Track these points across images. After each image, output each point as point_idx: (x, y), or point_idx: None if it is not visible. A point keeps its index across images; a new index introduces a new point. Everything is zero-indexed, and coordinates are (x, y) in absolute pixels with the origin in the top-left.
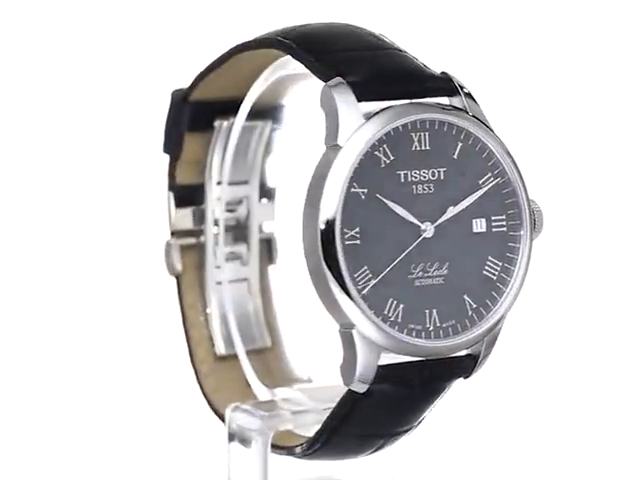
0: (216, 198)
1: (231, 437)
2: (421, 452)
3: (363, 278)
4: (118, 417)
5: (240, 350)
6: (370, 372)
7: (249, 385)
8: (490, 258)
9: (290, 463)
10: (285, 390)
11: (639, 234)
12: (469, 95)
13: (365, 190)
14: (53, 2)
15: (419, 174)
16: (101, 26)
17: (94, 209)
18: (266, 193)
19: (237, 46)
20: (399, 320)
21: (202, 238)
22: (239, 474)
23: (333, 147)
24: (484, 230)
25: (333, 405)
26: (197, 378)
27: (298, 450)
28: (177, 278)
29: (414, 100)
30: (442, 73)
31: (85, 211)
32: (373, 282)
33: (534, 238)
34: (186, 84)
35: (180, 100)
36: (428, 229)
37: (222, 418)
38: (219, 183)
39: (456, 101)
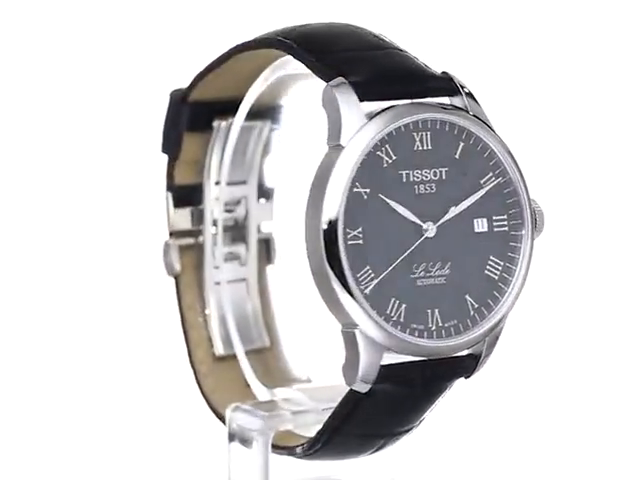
0: (214, 198)
1: (231, 437)
2: (421, 452)
3: (366, 278)
4: (117, 417)
5: (239, 350)
6: (372, 372)
7: (248, 385)
8: (492, 258)
9: (290, 463)
10: (285, 390)
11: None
12: (470, 95)
13: (367, 190)
14: (53, 2)
15: (421, 174)
16: (100, 26)
17: (92, 209)
18: (264, 193)
19: (237, 46)
20: (401, 320)
21: (200, 238)
22: (239, 474)
23: (335, 147)
24: (485, 230)
25: (333, 405)
26: (196, 378)
27: (299, 450)
28: (176, 278)
29: (415, 100)
30: (443, 73)
31: (84, 211)
32: (375, 282)
33: (535, 238)
34: (184, 84)
35: (179, 100)
36: (430, 229)
37: (222, 418)
38: (217, 183)
39: (457, 101)
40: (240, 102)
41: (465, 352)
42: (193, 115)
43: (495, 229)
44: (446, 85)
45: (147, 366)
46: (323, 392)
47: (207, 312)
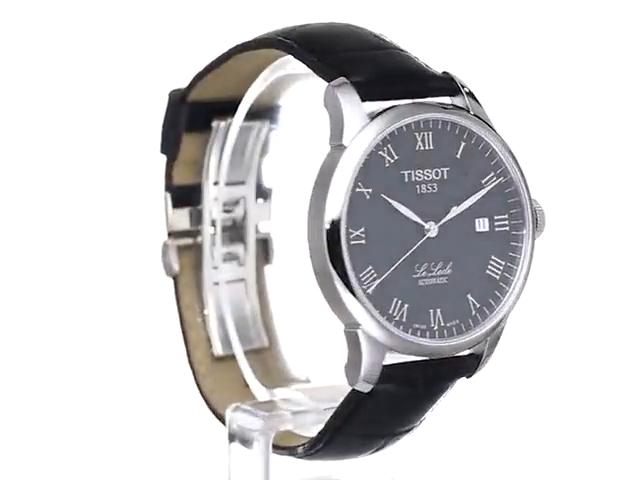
0: (213, 198)
1: (231, 437)
2: (421, 452)
3: (368, 278)
4: (116, 417)
5: (238, 350)
6: (375, 372)
7: (247, 386)
8: (493, 257)
9: (290, 463)
10: (284, 390)
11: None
12: (471, 94)
13: (370, 190)
14: (52, 1)
15: (423, 174)
16: (99, 26)
17: (91, 210)
18: (262, 193)
19: (236, 46)
20: (404, 320)
21: (199, 239)
22: (240, 475)
23: (338, 147)
24: (487, 229)
25: (334, 405)
26: (195, 379)
27: (300, 450)
28: (174, 279)
29: (416, 100)
30: (444, 73)
31: (82, 212)
32: (378, 282)
33: (536, 237)
34: (182, 84)
35: (178, 100)
36: (432, 229)
37: (221, 419)
38: (216, 183)
39: (458, 100)
40: (239, 102)
41: (466, 352)
42: (192, 115)
43: (496, 229)
44: (447, 85)
45: (146, 366)
46: (323, 392)
47: (206, 312)
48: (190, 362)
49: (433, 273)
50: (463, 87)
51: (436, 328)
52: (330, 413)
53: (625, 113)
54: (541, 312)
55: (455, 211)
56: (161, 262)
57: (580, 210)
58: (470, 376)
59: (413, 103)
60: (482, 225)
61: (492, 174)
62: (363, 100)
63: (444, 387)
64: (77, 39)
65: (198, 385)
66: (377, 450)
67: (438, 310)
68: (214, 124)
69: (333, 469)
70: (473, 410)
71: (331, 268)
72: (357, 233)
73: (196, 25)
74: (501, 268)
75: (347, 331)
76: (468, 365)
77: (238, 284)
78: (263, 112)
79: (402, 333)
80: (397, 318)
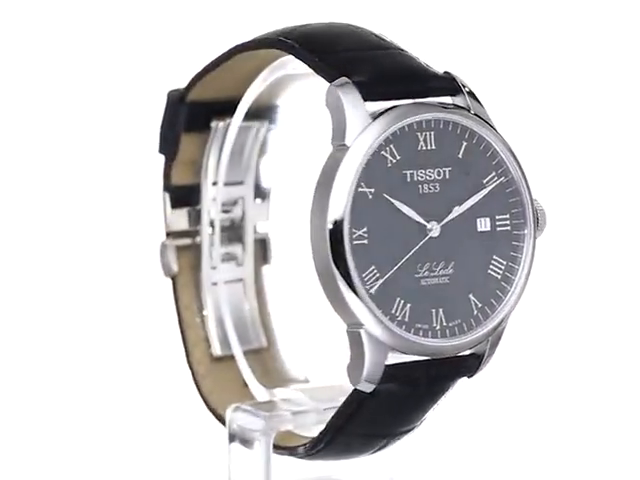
0: (212, 199)
1: (232, 438)
2: (420, 452)
3: (371, 278)
4: (116, 417)
5: (237, 351)
6: (377, 372)
7: (246, 386)
8: (495, 257)
9: (290, 463)
10: (283, 390)
11: None
12: (472, 94)
13: (372, 190)
14: (52, 1)
15: (425, 173)
16: (98, 26)
17: (89, 210)
18: (260, 193)
19: (236, 46)
20: (406, 319)
21: (198, 239)
22: (240, 475)
23: (340, 147)
24: (488, 229)
25: (333, 405)
26: (194, 379)
27: (301, 450)
28: (173, 279)
29: (418, 100)
30: (445, 72)
31: (80, 212)
32: (380, 281)
33: (537, 237)
34: (179, 84)
35: (176, 100)
36: (434, 228)
37: (220, 419)
38: (215, 184)
39: (459, 100)
40: (238, 102)
41: (468, 351)
42: (191, 115)
43: (498, 228)
44: (448, 85)
45: (145, 367)
46: (323, 392)
47: (205, 313)
48: (189, 362)
49: (435, 273)
50: (464, 87)
51: (438, 328)
52: (330, 413)
53: (625, 113)
54: (542, 312)
55: (457, 211)
56: (160, 262)
57: (580, 209)
58: (471, 376)
59: (415, 103)
60: (484, 225)
61: (493, 174)
62: (365, 100)
63: (446, 387)
64: (76, 39)
65: (197, 385)
66: (378, 450)
67: (440, 310)
68: (213, 124)
69: (333, 469)
70: (473, 410)
71: (334, 268)
72: (360, 233)
73: (195, 25)
74: (503, 268)
75: (350, 331)
76: (469, 365)
77: (236, 284)
78: (262, 112)
79: (404, 333)
80: (399, 318)
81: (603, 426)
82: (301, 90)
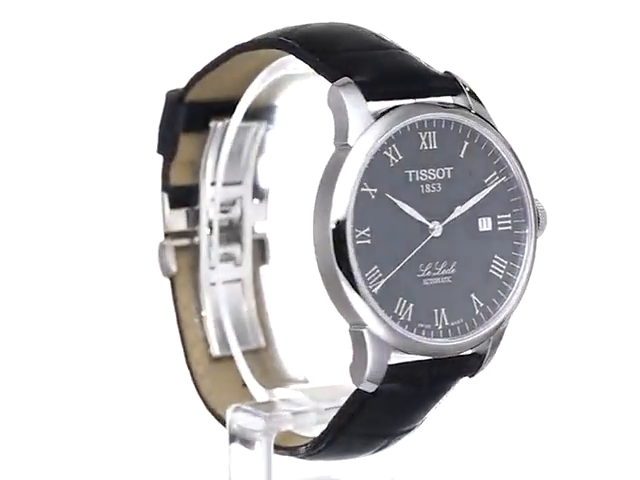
0: (210, 199)
1: (232, 438)
2: (421, 452)
3: (374, 277)
4: (115, 417)
5: (236, 351)
6: (380, 372)
7: (245, 386)
8: (496, 257)
9: (290, 463)
10: (283, 390)
11: None
12: (472, 94)
13: (375, 190)
14: (52, 1)
15: (427, 173)
16: (98, 26)
17: (88, 210)
18: (258, 193)
19: (236, 47)
20: (409, 319)
21: (196, 239)
22: (241, 475)
23: (343, 147)
24: (490, 229)
25: (334, 405)
26: (193, 380)
27: (302, 450)
28: (171, 279)
29: (419, 100)
30: (446, 72)
31: (79, 212)
32: (383, 281)
33: (538, 237)
34: (177, 84)
35: (175, 101)
36: (436, 228)
37: (220, 419)
38: (213, 184)
39: (460, 100)
40: (237, 103)
41: (470, 351)
42: (189, 116)
43: (499, 228)
44: (449, 84)
45: (144, 367)
46: (323, 392)
47: (203, 314)
48: (188, 363)
49: (437, 273)
50: (465, 86)
51: (440, 328)
52: (331, 413)
53: (626, 112)
54: (543, 312)
55: (459, 211)
56: (158, 263)
57: (581, 209)
58: (473, 375)
59: (416, 103)
60: (485, 224)
61: (495, 173)
62: (367, 100)
63: (447, 386)
64: (76, 39)
65: (196, 386)
66: (379, 450)
67: (442, 310)
68: (212, 124)
69: (332, 469)
70: (474, 410)
71: (337, 268)
72: (363, 233)
73: (195, 25)
74: (504, 267)
75: (352, 331)
76: (471, 364)
77: (235, 284)
78: (261, 112)
79: (407, 333)
80: (402, 318)
81: (604, 426)
82: (299, 90)
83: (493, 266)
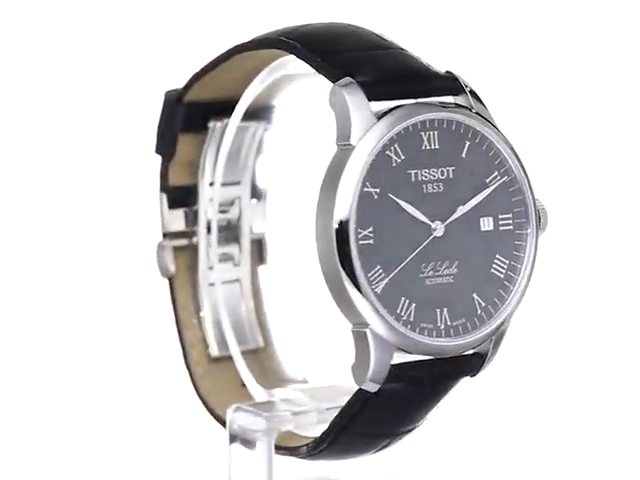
0: (209, 199)
1: (233, 438)
2: (421, 452)
3: (377, 277)
4: (114, 418)
5: (235, 351)
6: (383, 371)
7: (244, 386)
8: (498, 256)
9: (290, 463)
10: (282, 390)
11: None
12: (473, 93)
13: (377, 190)
14: (52, 1)
15: (429, 173)
16: (97, 26)
17: (86, 210)
18: (257, 194)
19: (236, 47)
20: (411, 319)
21: (195, 239)
22: (241, 475)
23: (345, 147)
24: (491, 229)
25: (334, 405)
26: (192, 380)
27: (303, 450)
28: (170, 279)
29: (421, 99)
30: (447, 72)
31: (78, 212)
32: (386, 281)
33: (539, 236)
34: (175, 85)
35: (174, 101)
36: (438, 228)
37: (219, 420)
38: (212, 184)
39: (461, 100)
40: (236, 103)
41: (471, 351)
42: (188, 116)
43: (501, 228)
44: (450, 84)
45: (143, 368)
46: (323, 392)
47: (202, 315)
48: (187, 363)
49: (439, 272)
50: (466, 86)
51: (443, 327)
52: (331, 413)
53: (627, 112)
54: (544, 311)
55: (461, 210)
56: (157, 263)
57: (582, 209)
58: (474, 375)
59: (418, 103)
60: (487, 224)
61: (496, 173)
62: (369, 100)
63: (449, 386)
64: (75, 39)
65: (195, 386)
66: (380, 449)
67: (444, 309)
68: (210, 124)
69: (332, 469)
70: (474, 410)
71: (340, 268)
72: (365, 233)
73: (194, 25)
74: (505, 267)
75: (355, 331)
76: (473, 364)
77: (233, 284)
78: (259, 112)
79: (410, 332)
80: (405, 317)
81: (604, 426)
82: (298, 90)
83: (495, 266)
